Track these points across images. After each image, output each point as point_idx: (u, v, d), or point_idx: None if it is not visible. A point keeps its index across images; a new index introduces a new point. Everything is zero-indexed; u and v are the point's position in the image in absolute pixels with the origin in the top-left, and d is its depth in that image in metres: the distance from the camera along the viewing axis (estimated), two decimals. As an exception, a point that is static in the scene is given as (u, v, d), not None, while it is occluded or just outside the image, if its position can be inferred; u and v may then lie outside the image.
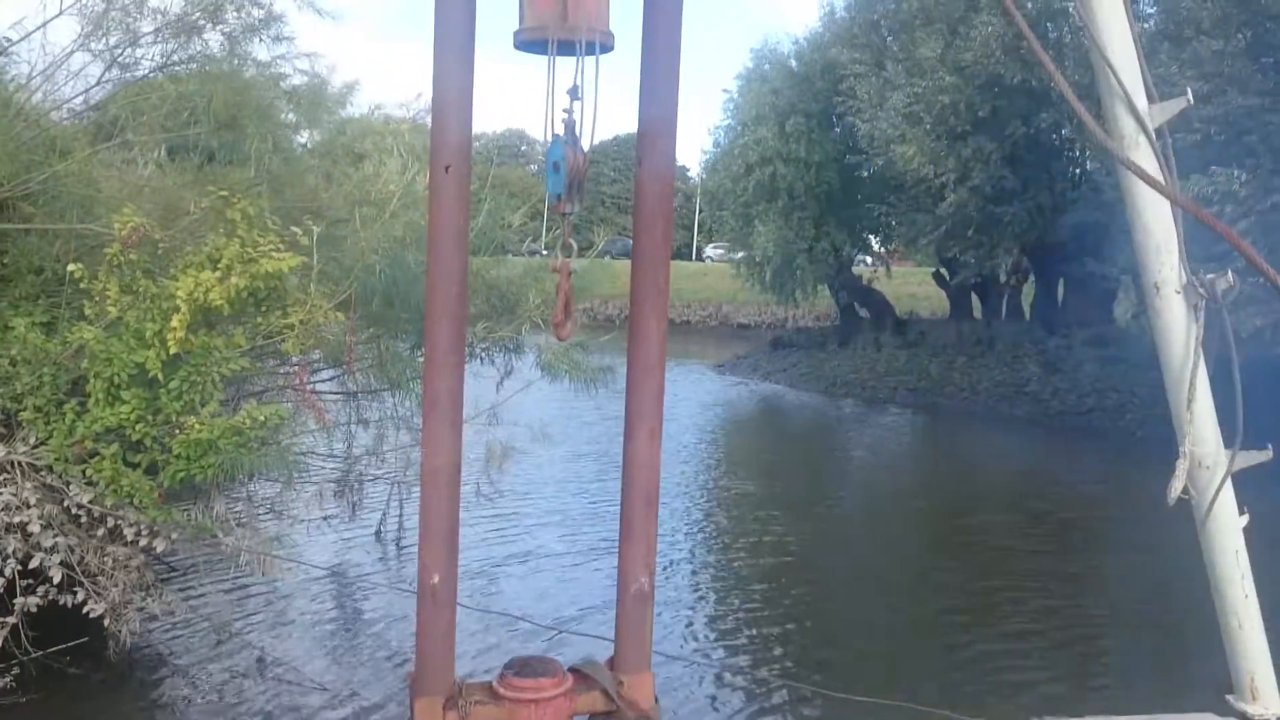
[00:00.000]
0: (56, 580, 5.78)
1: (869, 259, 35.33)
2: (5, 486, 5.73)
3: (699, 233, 62.91)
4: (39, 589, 5.78)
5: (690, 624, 8.39)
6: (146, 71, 7.52)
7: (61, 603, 5.86)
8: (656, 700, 2.82)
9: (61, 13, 6.81)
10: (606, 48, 2.55)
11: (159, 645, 7.21)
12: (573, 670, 2.78)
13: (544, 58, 2.50)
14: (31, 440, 5.92)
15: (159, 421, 5.78)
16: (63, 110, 7.49)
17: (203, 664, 7.02)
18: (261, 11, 7.73)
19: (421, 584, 2.66)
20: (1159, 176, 3.01)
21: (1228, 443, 3.11)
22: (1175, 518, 3.32)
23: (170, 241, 6.14)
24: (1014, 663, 7.76)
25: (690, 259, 59.09)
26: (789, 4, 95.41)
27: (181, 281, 5.67)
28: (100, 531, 6.08)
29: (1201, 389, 3.08)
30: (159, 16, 7.20)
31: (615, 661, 2.82)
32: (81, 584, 5.89)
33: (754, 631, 8.32)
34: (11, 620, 5.71)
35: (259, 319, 6.24)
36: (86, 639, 6.36)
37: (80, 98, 7.49)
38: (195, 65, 7.52)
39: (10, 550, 5.65)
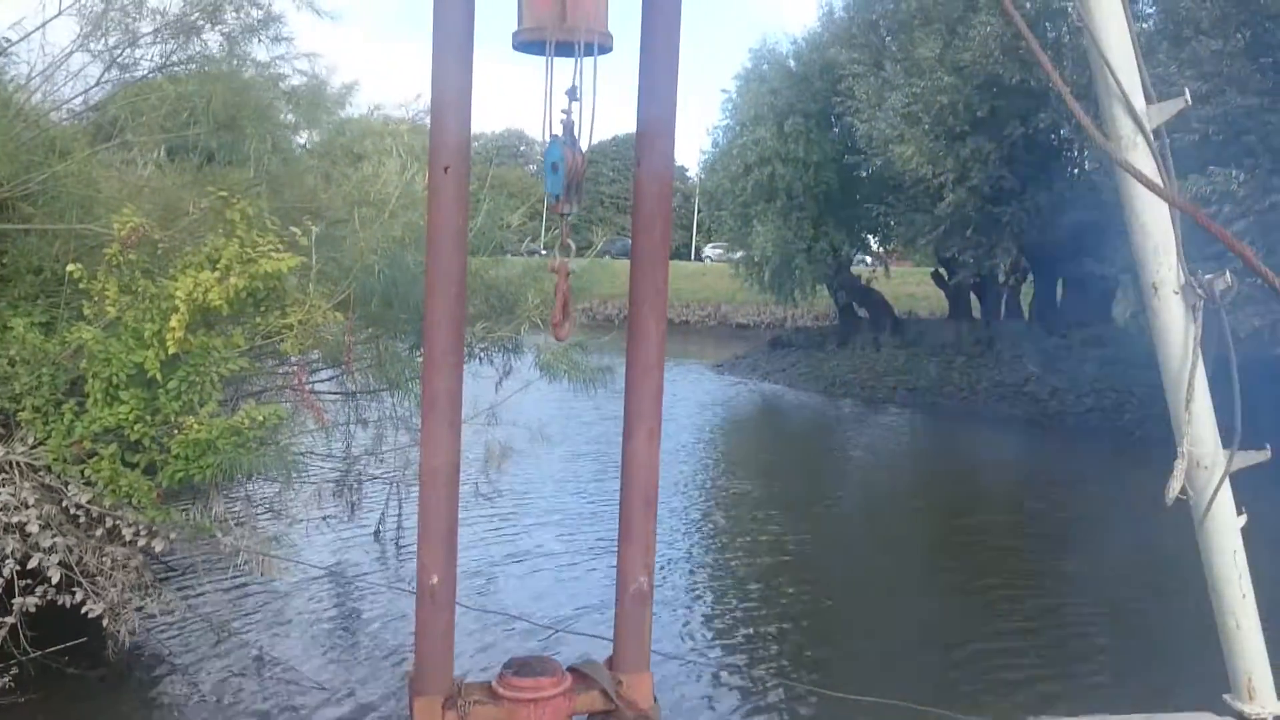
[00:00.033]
0: (55, 580, 5.77)
1: (868, 259, 35.35)
2: (4, 486, 5.73)
3: (698, 233, 62.92)
4: (37, 589, 5.77)
5: (687, 623, 8.39)
6: (146, 72, 7.51)
7: (60, 603, 5.86)
8: (656, 700, 2.82)
9: (61, 13, 6.81)
10: (605, 48, 2.56)
11: (158, 645, 7.21)
12: (572, 670, 2.78)
13: (543, 58, 2.50)
14: (30, 440, 5.92)
15: (157, 421, 5.78)
16: (62, 111, 7.49)
17: (201, 663, 7.02)
18: (260, 12, 7.72)
19: (420, 584, 2.66)
20: (1157, 178, 3.01)
21: (1226, 443, 3.12)
22: (1173, 518, 3.33)
23: (169, 242, 6.14)
24: (1011, 661, 7.77)
25: (689, 259, 59.10)
26: (787, 4, 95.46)
27: (180, 282, 5.66)
28: (99, 531, 6.08)
29: (1200, 389, 3.08)
30: (158, 17, 7.19)
31: (614, 661, 2.82)
32: (80, 584, 5.89)
33: (751, 630, 8.32)
34: (10, 620, 5.71)
35: (258, 319, 6.24)
36: (85, 639, 6.36)
37: (79, 98, 7.49)
38: (194, 66, 7.52)
39: (9, 550, 5.65)
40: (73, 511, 5.90)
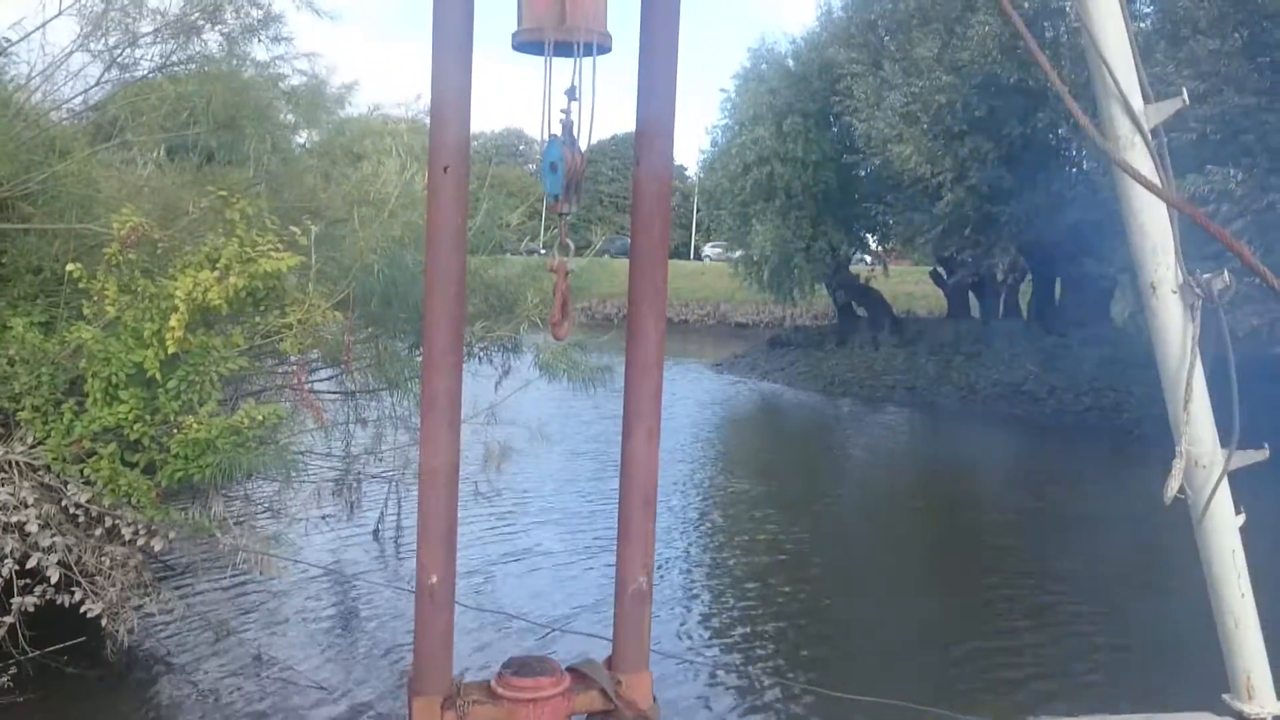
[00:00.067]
0: (54, 579, 5.78)
1: (866, 258, 35.38)
2: (3, 486, 5.73)
3: (697, 232, 62.92)
4: (36, 588, 5.78)
5: (684, 622, 8.39)
6: (145, 72, 7.51)
7: (59, 602, 5.86)
8: (655, 699, 2.82)
9: (61, 13, 6.81)
10: (604, 49, 2.56)
11: (156, 644, 7.21)
12: (571, 670, 2.78)
13: (542, 58, 2.51)
14: (29, 440, 5.92)
15: (157, 421, 5.78)
16: (62, 110, 7.49)
17: (200, 662, 7.02)
18: (260, 12, 7.72)
19: (420, 584, 2.66)
20: (1155, 177, 3.02)
21: (1224, 442, 3.13)
22: (1172, 517, 3.34)
23: (169, 241, 6.14)
24: (1009, 660, 7.77)
25: (688, 258, 59.11)
26: (786, 4, 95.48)
27: (180, 281, 5.66)
28: (98, 531, 6.09)
29: (1198, 388, 3.09)
30: (158, 17, 7.19)
31: (613, 661, 2.83)
32: (79, 583, 5.89)
33: (748, 629, 8.32)
34: (9, 620, 5.71)
35: (257, 318, 6.24)
36: (84, 638, 6.36)
37: (79, 98, 7.49)
38: (194, 66, 7.52)
39: (8, 550, 5.65)
40: (72, 511, 5.90)
